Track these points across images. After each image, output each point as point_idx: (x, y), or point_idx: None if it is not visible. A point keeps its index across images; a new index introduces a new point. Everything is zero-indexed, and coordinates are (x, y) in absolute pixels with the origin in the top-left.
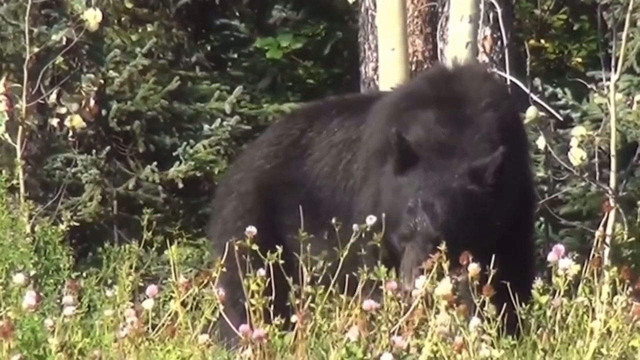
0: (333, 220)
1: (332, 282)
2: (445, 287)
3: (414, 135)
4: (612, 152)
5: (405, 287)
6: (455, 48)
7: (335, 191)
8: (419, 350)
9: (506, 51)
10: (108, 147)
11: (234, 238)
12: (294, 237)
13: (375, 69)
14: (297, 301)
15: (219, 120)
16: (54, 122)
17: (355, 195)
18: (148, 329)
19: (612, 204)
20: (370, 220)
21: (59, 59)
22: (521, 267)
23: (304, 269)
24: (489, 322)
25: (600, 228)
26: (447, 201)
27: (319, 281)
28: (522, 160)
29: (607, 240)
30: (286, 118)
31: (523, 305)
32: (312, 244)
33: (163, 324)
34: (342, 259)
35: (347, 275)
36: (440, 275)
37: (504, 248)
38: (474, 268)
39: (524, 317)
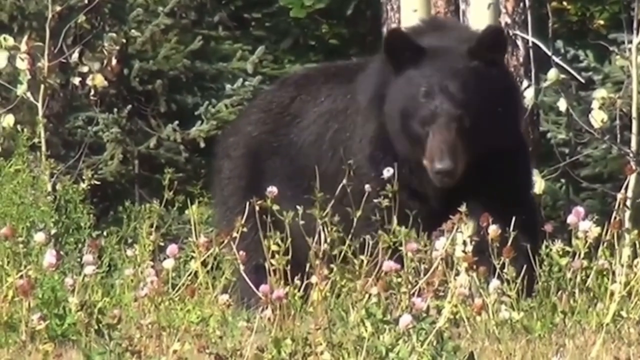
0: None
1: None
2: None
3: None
4: (634, 114)
5: (436, 167)
6: (477, 9)
7: (321, 160)
8: (439, 312)
9: (528, 13)
10: (129, 106)
11: (228, 201)
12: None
13: None
14: (317, 261)
15: (240, 80)
16: (76, 80)
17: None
18: (168, 288)
19: (633, 166)
20: (388, 172)
21: (82, 18)
22: (525, 221)
23: (323, 230)
24: (508, 284)
25: (622, 191)
26: (460, 79)
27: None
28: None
29: (628, 202)
30: (277, 84)
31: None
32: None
33: (183, 284)
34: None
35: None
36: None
37: (505, 203)
38: (494, 229)
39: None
